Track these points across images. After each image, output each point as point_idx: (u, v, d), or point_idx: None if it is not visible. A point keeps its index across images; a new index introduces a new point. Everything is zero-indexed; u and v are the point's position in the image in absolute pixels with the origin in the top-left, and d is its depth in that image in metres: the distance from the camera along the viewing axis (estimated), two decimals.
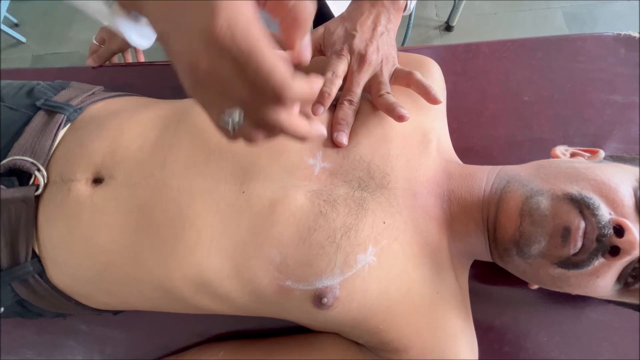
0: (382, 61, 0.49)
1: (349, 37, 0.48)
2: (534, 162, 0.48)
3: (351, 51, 0.48)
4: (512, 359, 0.53)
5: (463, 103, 0.65)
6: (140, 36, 0.35)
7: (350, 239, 0.41)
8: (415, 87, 0.47)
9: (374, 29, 0.49)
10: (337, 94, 0.48)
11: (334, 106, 0.48)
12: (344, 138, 0.45)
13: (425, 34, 1.66)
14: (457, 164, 0.51)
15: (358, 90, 0.48)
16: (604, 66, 0.67)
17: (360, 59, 0.47)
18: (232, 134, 0.29)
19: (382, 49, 0.49)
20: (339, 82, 0.47)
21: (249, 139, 0.30)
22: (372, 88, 0.48)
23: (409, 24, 1.14)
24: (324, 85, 0.45)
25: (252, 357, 0.50)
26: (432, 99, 0.46)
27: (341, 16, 0.52)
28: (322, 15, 0.91)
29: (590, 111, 0.64)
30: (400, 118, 0.44)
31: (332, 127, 0.46)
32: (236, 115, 0.28)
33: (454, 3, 1.54)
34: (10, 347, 0.56)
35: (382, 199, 0.43)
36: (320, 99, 0.45)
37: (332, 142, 0.46)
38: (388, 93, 0.47)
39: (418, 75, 0.47)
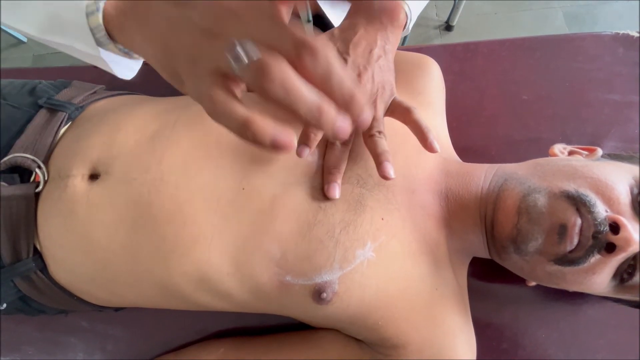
0: (377, 91, 0.43)
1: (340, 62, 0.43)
2: (531, 161, 0.48)
3: None
4: (510, 357, 0.54)
5: (462, 102, 0.65)
6: (125, 67, 0.36)
7: (349, 234, 0.41)
8: (413, 127, 0.43)
9: (370, 51, 0.42)
10: None
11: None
12: (336, 191, 0.42)
13: (425, 34, 1.66)
14: (455, 162, 0.51)
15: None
16: (602, 65, 0.67)
17: None
18: (243, 68, 0.23)
19: (378, 77, 0.43)
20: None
21: (265, 71, 0.22)
22: None
23: None
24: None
25: (252, 354, 0.50)
26: (429, 146, 0.41)
27: (332, 32, 0.45)
28: (318, 18, 0.88)
29: (589, 110, 0.65)
30: (384, 177, 0.40)
31: (324, 175, 0.43)
32: (247, 46, 0.22)
33: (454, 3, 1.54)
34: (12, 344, 0.56)
35: (380, 196, 0.44)
36: (304, 139, 0.40)
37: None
38: (380, 133, 0.42)
39: (417, 114, 0.43)
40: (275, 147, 0.24)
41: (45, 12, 0.32)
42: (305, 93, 0.23)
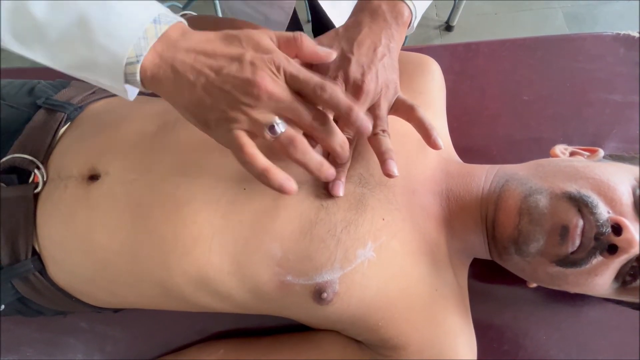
0: (381, 90, 0.42)
1: (345, 61, 0.42)
2: (533, 161, 0.48)
3: (346, 79, 0.41)
4: (511, 358, 0.54)
5: (463, 102, 0.65)
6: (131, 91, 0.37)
7: (350, 233, 0.41)
8: (416, 124, 0.43)
9: (374, 50, 0.42)
10: None
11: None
12: (340, 189, 0.42)
13: (425, 34, 1.66)
14: (456, 163, 0.51)
15: None
16: (603, 65, 0.67)
17: (356, 89, 0.40)
18: (276, 137, 0.33)
19: (382, 76, 0.42)
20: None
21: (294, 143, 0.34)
22: None
23: None
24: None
25: (252, 355, 0.50)
26: (433, 143, 0.42)
27: (337, 31, 0.45)
28: (318, 19, 0.88)
29: (590, 110, 0.65)
30: (387, 175, 0.40)
31: None
32: (280, 123, 0.33)
33: (454, 3, 1.54)
34: (11, 345, 0.56)
35: (381, 196, 0.44)
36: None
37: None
38: (384, 132, 0.42)
39: (420, 111, 0.43)
40: (281, 191, 0.34)
41: (81, 57, 0.32)
42: (315, 158, 0.35)
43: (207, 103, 0.33)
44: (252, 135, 0.34)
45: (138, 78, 0.33)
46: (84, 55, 0.32)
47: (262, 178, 0.33)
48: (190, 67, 0.33)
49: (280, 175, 0.33)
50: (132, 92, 0.37)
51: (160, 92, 0.35)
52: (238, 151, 0.33)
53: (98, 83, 0.35)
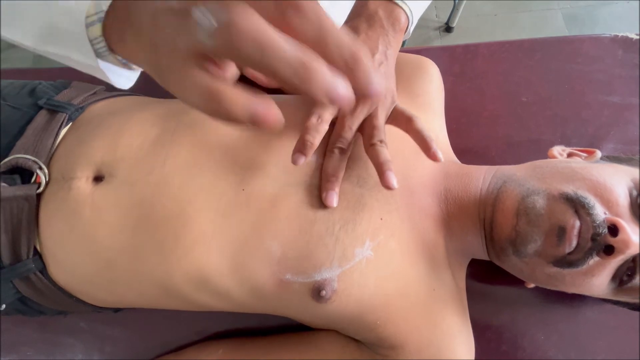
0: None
1: None
2: (530, 162, 0.48)
3: None
4: (510, 358, 0.54)
5: (461, 104, 0.65)
6: (123, 77, 0.34)
7: (348, 231, 0.41)
8: (415, 136, 0.42)
9: (371, 57, 0.43)
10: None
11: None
12: (334, 200, 0.41)
13: (425, 35, 1.67)
14: (454, 164, 0.51)
15: (350, 135, 0.43)
16: (602, 67, 0.67)
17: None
18: (211, 33, 0.20)
19: None
20: (324, 129, 0.41)
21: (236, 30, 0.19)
22: (365, 132, 0.43)
23: None
24: (307, 132, 0.40)
25: (251, 355, 0.50)
26: (432, 156, 0.41)
27: None
28: None
29: (588, 112, 0.65)
30: (387, 187, 0.39)
31: (321, 184, 0.42)
32: (210, 5, 0.19)
33: (454, 4, 1.54)
34: (11, 345, 0.56)
35: (380, 196, 0.44)
36: (301, 147, 0.39)
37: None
38: (381, 142, 0.42)
39: (419, 123, 0.42)
40: (256, 122, 0.20)
41: (43, 22, 0.30)
42: (284, 46, 0.19)
43: (157, 39, 0.23)
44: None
45: (103, 42, 0.28)
46: (46, 21, 0.29)
47: (215, 107, 0.21)
48: (143, 4, 0.24)
49: (241, 96, 0.20)
50: (116, 74, 0.33)
51: (125, 53, 0.28)
52: (204, 96, 0.21)
53: (72, 62, 0.32)
